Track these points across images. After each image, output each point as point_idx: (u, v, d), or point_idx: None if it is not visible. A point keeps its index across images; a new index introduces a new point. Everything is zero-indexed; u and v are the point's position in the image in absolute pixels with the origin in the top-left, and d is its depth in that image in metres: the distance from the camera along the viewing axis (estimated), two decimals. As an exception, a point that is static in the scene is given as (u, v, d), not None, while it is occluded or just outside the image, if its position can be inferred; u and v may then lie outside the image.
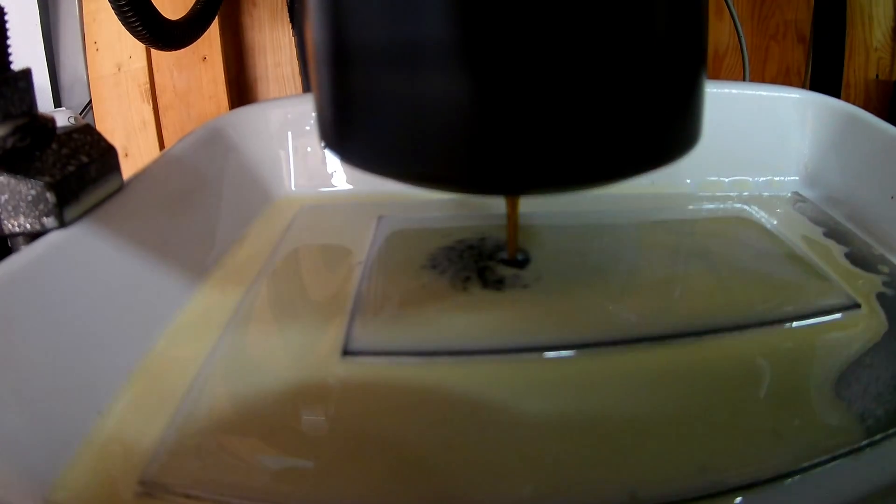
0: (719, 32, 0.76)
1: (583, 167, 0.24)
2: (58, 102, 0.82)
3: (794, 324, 0.31)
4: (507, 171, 0.24)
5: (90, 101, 0.77)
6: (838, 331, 0.31)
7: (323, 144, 0.28)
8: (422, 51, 0.23)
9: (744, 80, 0.68)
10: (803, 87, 0.71)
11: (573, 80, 0.23)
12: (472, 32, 0.22)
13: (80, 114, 0.80)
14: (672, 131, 0.26)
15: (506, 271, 0.36)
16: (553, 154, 0.24)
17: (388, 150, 0.25)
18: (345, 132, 0.27)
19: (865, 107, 0.45)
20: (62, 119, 0.69)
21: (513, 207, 0.36)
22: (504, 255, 0.38)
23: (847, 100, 0.55)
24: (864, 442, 0.23)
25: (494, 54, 0.22)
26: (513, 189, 0.30)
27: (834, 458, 0.23)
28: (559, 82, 0.23)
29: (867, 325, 0.31)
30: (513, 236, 0.37)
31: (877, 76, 0.75)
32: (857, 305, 0.32)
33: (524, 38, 0.22)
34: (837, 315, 0.32)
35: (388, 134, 0.25)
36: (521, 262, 0.37)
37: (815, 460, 0.23)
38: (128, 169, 0.35)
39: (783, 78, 0.77)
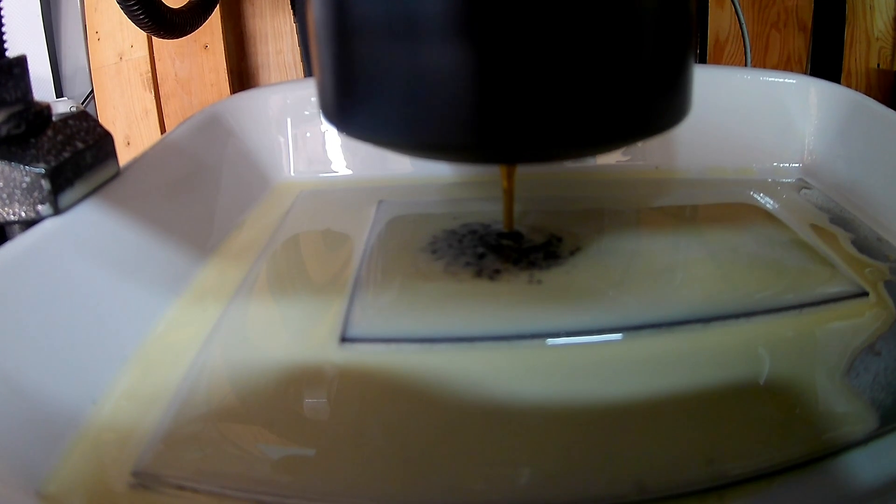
0: (720, 20, 0.75)
1: (577, 134, 0.25)
2: (59, 92, 0.82)
3: (802, 311, 0.30)
4: (505, 138, 0.24)
5: (92, 91, 0.77)
6: (846, 319, 0.30)
7: (323, 119, 0.29)
8: (422, 19, 0.23)
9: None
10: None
11: (568, 50, 0.23)
12: (473, 2, 0.23)
13: (82, 103, 0.79)
14: (662, 103, 0.27)
15: (507, 263, 0.35)
16: (549, 120, 0.24)
17: (389, 120, 0.26)
18: (346, 104, 0.27)
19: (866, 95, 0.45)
20: (64, 109, 0.69)
21: (509, 179, 0.36)
22: (501, 228, 0.38)
23: (847, 88, 0.55)
24: (875, 432, 0.23)
25: (494, 23, 0.23)
26: (510, 155, 0.30)
27: (843, 449, 0.22)
28: (555, 52, 0.23)
29: (875, 313, 0.30)
30: (509, 208, 0.37)
31: (878, 65, 0.75)
32: (865, 293, 0.32)
33: (522, 7, 0.22)
34: (845, 303, 0.31)
35: (390, 104, 0.25)
36: (519, 235, 0.37)
37: (825, 451, 0.22)
38: (129, 157, 0.35)
39: (784, 66, 0.77)
